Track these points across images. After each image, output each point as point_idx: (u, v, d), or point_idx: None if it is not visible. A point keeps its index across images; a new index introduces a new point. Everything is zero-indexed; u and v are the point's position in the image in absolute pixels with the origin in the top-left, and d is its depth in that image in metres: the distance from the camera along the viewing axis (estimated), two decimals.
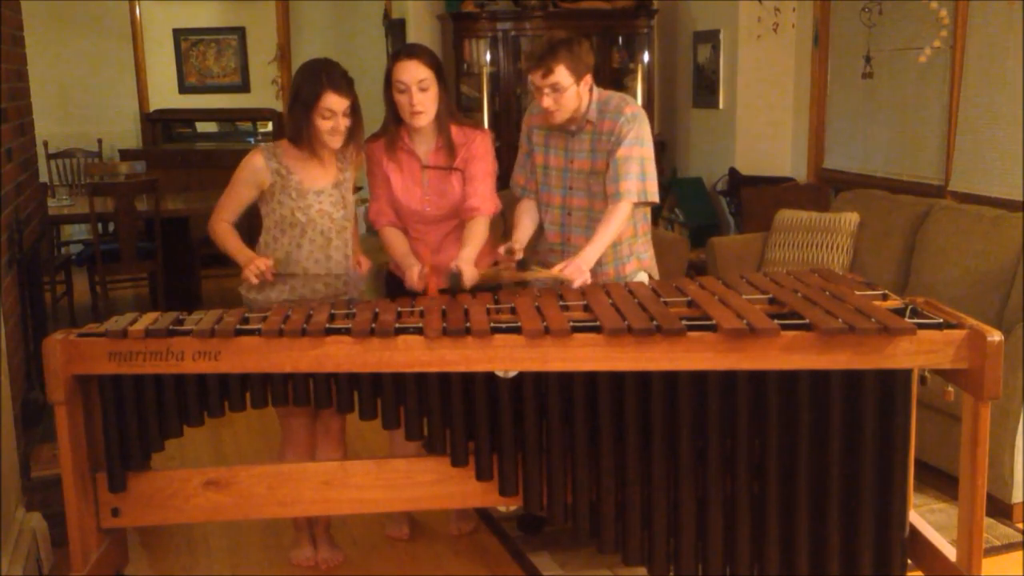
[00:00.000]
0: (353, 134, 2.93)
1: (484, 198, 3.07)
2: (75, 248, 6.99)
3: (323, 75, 2.84)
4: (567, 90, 2.94)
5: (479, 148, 3.09)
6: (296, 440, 3.05)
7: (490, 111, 6.59)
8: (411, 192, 3.09)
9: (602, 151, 3.04)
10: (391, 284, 3.19)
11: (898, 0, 5.10)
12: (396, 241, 3.11)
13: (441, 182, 3.09)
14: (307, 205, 2.93)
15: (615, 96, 3.09)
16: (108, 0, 8.33)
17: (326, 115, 2.85)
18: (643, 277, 3.19)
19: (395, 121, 3.06)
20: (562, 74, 2.91)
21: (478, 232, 3.04)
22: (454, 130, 3.08)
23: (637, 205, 3.04)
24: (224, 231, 2.98)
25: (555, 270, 2.89)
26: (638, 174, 3.00)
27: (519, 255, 3.01)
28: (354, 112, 2.90)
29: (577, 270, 2.85)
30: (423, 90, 2.96)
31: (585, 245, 2.96)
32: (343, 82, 2.86)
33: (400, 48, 3.08)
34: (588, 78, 2.99)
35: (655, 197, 3.05)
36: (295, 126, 2.90)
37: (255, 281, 2.84)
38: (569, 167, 3.11)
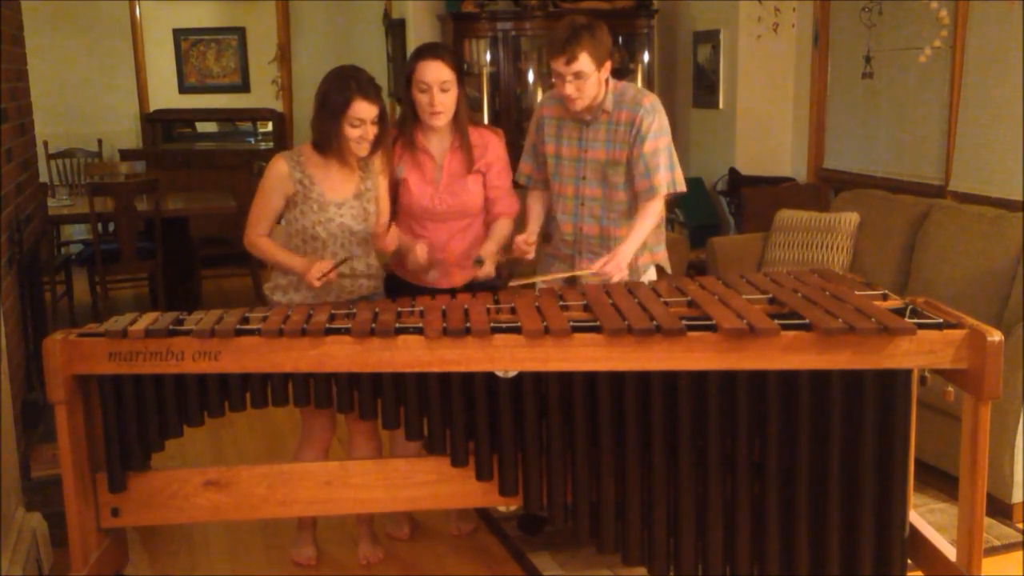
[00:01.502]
0: (380, 142, 2.91)
1: (509, 203, 3.18)
2: (75, 248, 6.99)
3: (352, 82, 2.81)
4: (590, 77, 2.94)
5: (497, 151, 3.16)
6: (316, 439, 3.05)
7: (490, 111, 6.59)
8: (424, 190, 3.10)
9: (620, 142, 3.04)
10: (391, 283, 3.20)
11: (898, 0, 5.10)
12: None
13: (456, 182, 3.10)
14: (328, 219, 2.91)
15: (631, 87, 3.11)
16: (108, 0, 8.33)
17: (355, 123, 2.82)
18: (651, 273, 3.19)
19: (412, 119, 3.07)
20: (585, 61, 2.91)
21: (501, 232, 3.14)
22: (471, 131, 3.11)
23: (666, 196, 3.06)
24: (266, 244, 2.94)
25: (596, 266, 2.90)
26: (667, 165, 3.03)
27: (533, 247, 3.05)
28: (381, 120, 2.88)
29: (617, 267, 2.89)
30: (444, 91, 2.97)
31: (624, 238, 3.00)
32: (372, 89, 2.84)
33: (423, 47, 3.09)
34: (608, 64, 2.99)
35: (683, 186, 3.09)
36: (323, 134, 2.87)
37: (317, 285, 2.80)
38: (583, 156, 3.11)
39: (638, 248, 3.10)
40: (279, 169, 2.92)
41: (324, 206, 2.91)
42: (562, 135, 3.14)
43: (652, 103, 3.05)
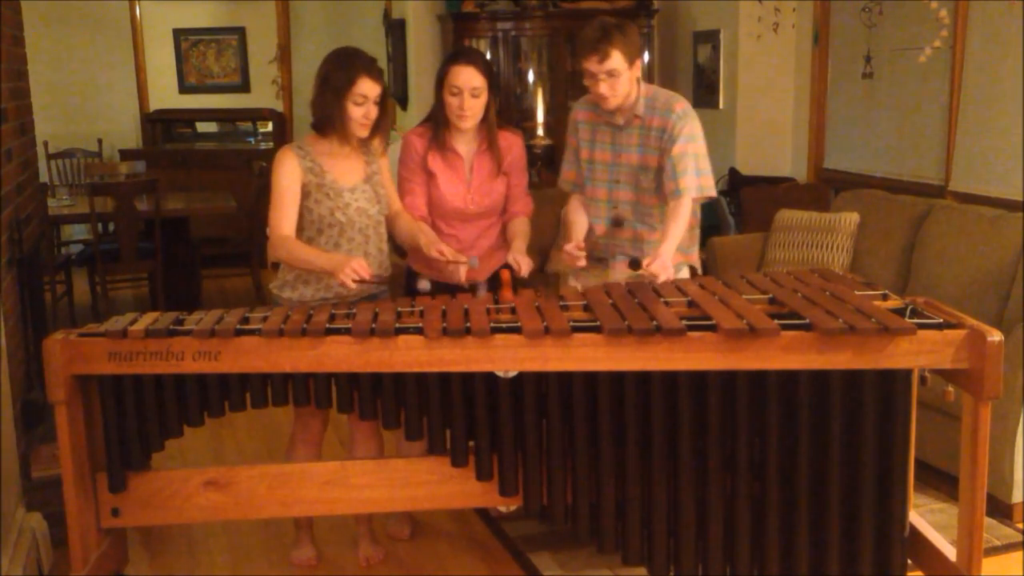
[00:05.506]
0: (380, 125, 2.93)
1: (526, 203, 3.27)
2: (75, 248, 6.98)
3: (357, 60, 2.85)
4: (622, 75, 2.97)
5: (517, 152, 3.24)
6: (310, 438, 3.05)
7: None
8: (455, 189, 3.16)
9: (652, 147, 3.07)
10: (411, 280, 3.23)
11: (898, 0, 5.10)
12: (428, 232, 3.10)
13: (486, 183, 3.18)
14: (345, 204, 2.91)
15: (662, 92, 3.14)
16: (108, 0, 8.33)
17: (359, 100, 2.83)
18: (684, 273, 3.20)
19: (443, 120, 3.12)
20: (617, 59, 2.94)
21: (524, 229, 3.21)
22: (500, 134, 3.18)
23: (694, 200, 3.06)
24: (292, 244, 2.83)
25: (644, 264, 2.83)
26: (694, 170, 3.03)
27: (584, 253, 2.99)
28: (383, 101, 2.90)
29: (662, 266, 2.83)
30: (475, 96, 3.04)
31: (659, 240, 2.96)
32: (375, 69, 2.87)
33: (458, 51, 3.20)
34: (638, 64, 3.03)
35: (712, 191, 3.10)
36: (324, 113, 2.87)
37: (353, 287, 2.73)
38: (616, 161, 3.14)
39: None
40: (290, 160, 2.90)
41: (339, 192, 2.91)
42: (596, 140, 3.18)
43: (684, 108, 3.07)
